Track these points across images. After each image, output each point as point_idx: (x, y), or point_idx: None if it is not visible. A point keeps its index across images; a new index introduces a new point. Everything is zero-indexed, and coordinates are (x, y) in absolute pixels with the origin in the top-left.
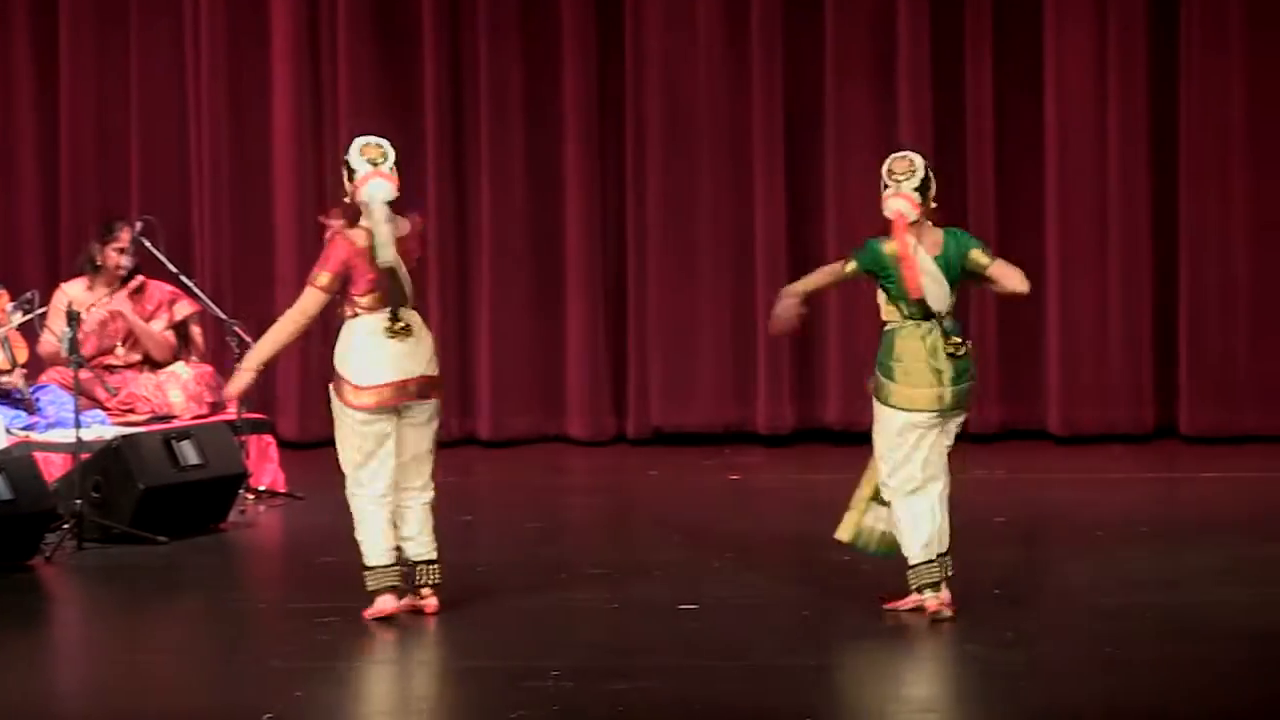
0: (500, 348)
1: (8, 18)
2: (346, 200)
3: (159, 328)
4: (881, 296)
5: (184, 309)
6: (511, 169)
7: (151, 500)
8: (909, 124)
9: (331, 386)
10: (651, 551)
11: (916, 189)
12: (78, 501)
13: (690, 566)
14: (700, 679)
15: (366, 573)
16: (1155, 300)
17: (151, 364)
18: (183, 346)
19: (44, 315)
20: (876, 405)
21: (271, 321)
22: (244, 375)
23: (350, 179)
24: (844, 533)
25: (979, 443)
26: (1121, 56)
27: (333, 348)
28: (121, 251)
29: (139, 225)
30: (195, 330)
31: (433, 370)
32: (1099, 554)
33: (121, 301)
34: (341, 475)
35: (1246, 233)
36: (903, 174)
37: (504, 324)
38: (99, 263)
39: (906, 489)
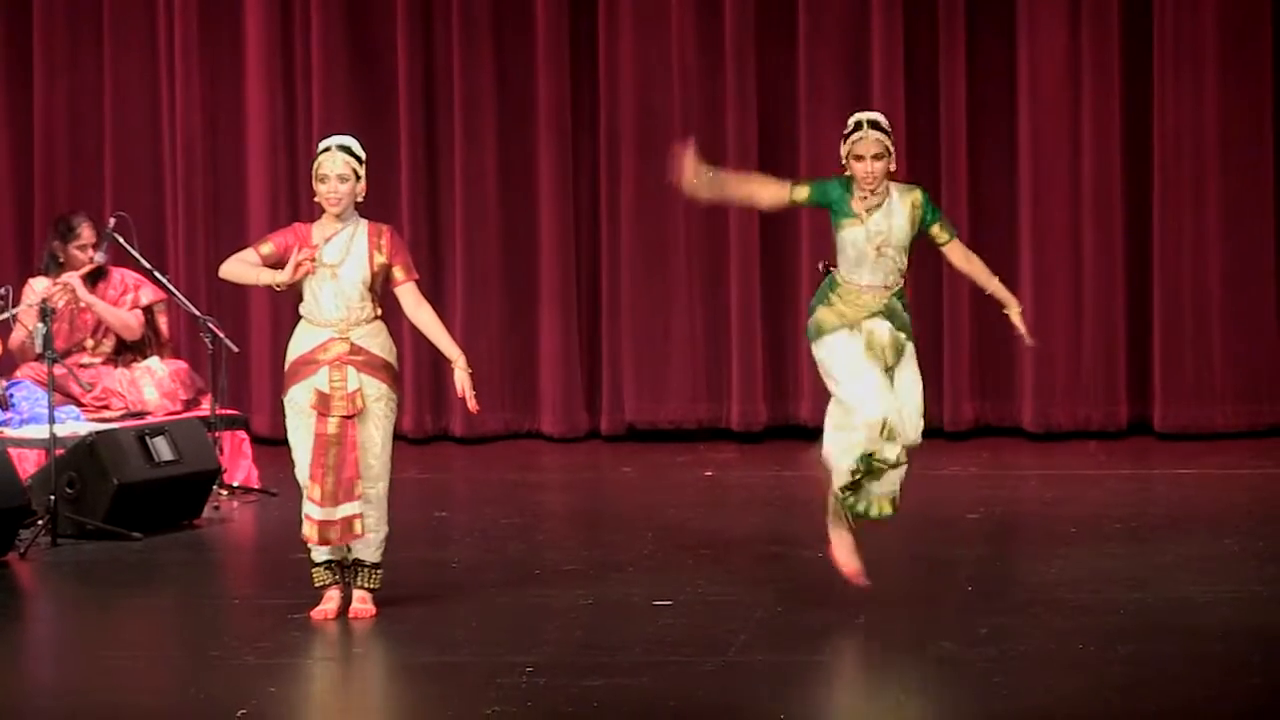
0: (473, 345)
1: None
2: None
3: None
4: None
5: (149, 294)
6: (484, 169)
7: (126, 496)
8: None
9: (393, 383)
10: (625, 548)
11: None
12: (52, 497)
13: (664, 563)
14: (675, 675)
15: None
16: (1129, 297)
17: (124, 356)
18: (151, 338)
19: (14, 309)
20: None
21: (246, 319)
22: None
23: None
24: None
25: (953, 439)
26: (1095, 60)
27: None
28: (84, 249)
29: (112, 221)
30: (161, 319)
31: None
32: (1072, 550)
33: (74, 279)
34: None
35: (1219, 230)
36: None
37: (477, 321)
38: (61, 260)
39: None
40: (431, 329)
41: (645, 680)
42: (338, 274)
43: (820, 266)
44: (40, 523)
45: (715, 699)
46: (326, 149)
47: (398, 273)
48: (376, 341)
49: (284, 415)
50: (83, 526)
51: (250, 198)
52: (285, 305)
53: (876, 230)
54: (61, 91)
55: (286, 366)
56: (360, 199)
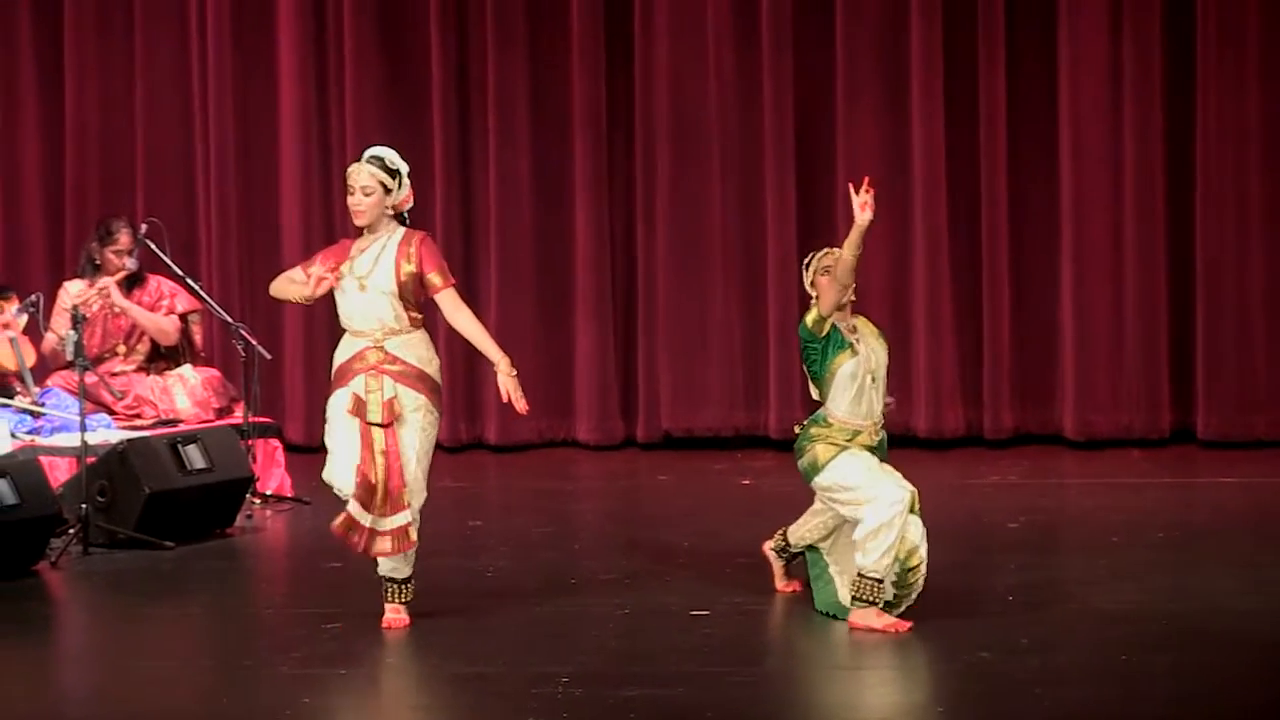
0: (508, 352)
1: (12, 21)
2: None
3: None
4: None
5: (184, 303)
6: (518, 172)
7: (157, 505)
8: (921, 131)
9: (431, 394)
10: (662, 557)
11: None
12: (83, 506)
13: (702, 572)
14: (712, 686)
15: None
16: (1171, 303)
17: (156, 364)
18: (185, 346)
19: (48, 315)
20: None
21: (279, 326)
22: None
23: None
24: None
25: (993, 447)
26: (1136, 63)
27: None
28: (120, 254)
29: (144, 227)
30: (195, 329)
31: None
32: (1114, 560)
33: (110, 283)
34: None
35: (1263, 237)
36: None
37: (512, 328)
38: (99, 263)
39: None
40: (472, 333)
41: (682, 691)
42: (366, 286)
43: None
44: (71, 531)
45: (754, 710)
46: (356, 161)
47: (434, 279)
48: (414, 352)
49: (323, 421)
50: (114, 535)
51: (283, 202)
52: (319, 313)
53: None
54: (92, 95)
55: (331, 375)
56: (395, 209)
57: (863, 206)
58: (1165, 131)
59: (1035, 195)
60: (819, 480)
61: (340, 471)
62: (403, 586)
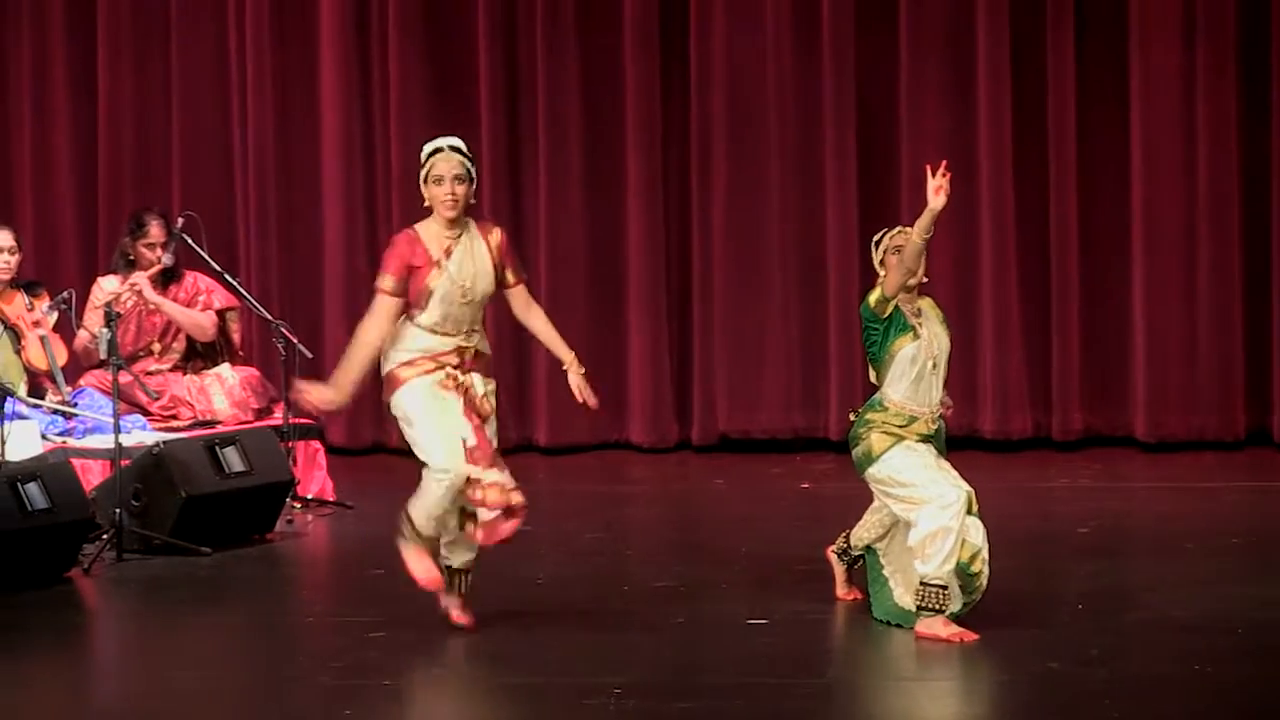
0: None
1: (44, 11)
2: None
3: None
4: None
5: (221, 300)
6: (569, 170)
7: (194, 509)
8: (988, 126)
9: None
10: (718, 564)
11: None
12: (117, 510)
13: (759, 579)
14: (770, 698)
15: None
16: (1246, 300)
17: (193, 363)
18: (223, 345)
19: (80, 312)
20: None
21: (320, 324)
22: None
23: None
24: None
25: (1062, 449)
26: (1210, 54)
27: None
28: (152, 247)
29: (180, 221)
30: (233, 326)
31: None
32: (1187, 567)
33: (142, 279)
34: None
35: None
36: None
37: (562, 326)
38: (132, 259)
39: None
40: (544, 331)
41: (739, 703)
42: (469, 290)
43: None
44: (105, 537)
45: None
46: (438, 149)
47: (510, 275)
48: (485, 340)
49: (382, 418)
50: (149, 541)
51: (325, 197)
52: (360, 310)
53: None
54: (126, 90)
55: (391, 368)
56: (473, 201)
57: (937, 190)
58: (1239, 124)
59: (1106, 189)
60: (872, 472)
61: (452, 451)
62: (465, 577)
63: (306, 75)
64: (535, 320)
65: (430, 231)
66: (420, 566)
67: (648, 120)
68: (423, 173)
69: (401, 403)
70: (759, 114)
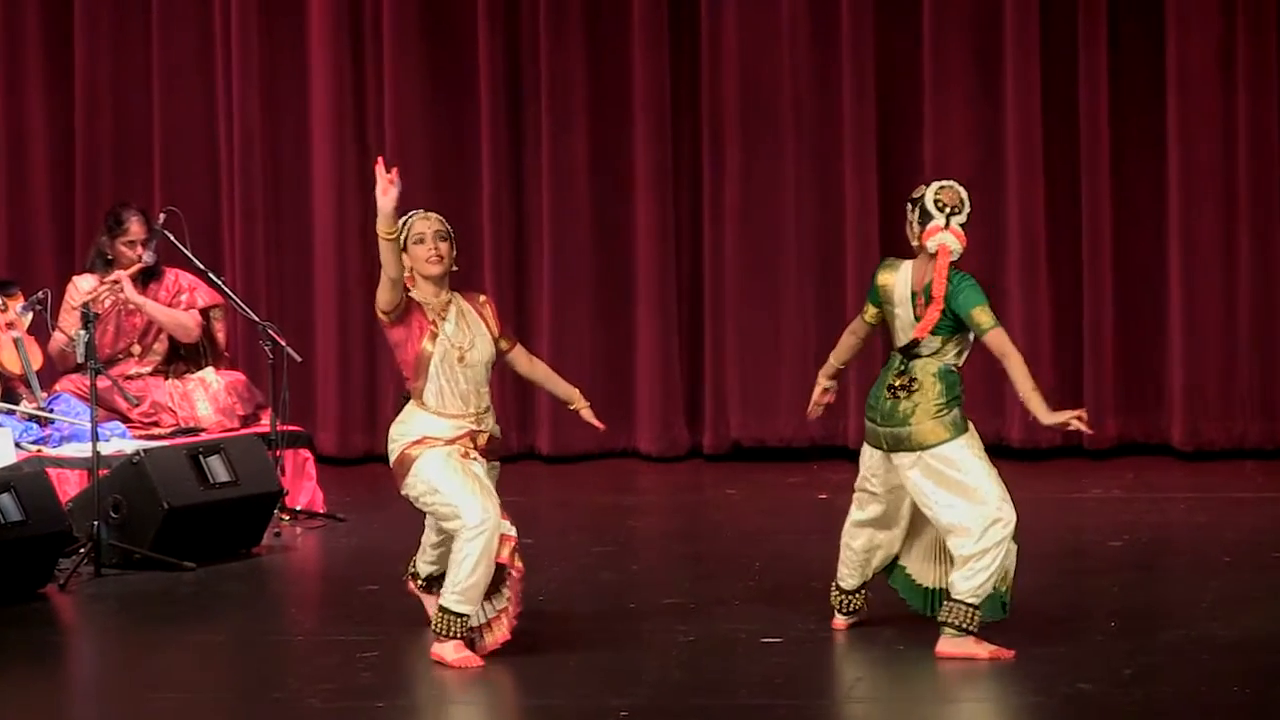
0: (562, 355)
1: None
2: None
3: None
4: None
5: (204, 298)
6: (575, 162)
7: (176, 521)
8: (1016, 121)
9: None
10: (730, 579)
11: (963, 225)
12: (95, 523)
13: (773, 595)
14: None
15: None
16: None
17: (175, 366)
18: (207, 346)
19: (56, 313)
20: None
21: (310, 326)
22: None
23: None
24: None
25: (1095, 458)
26: (1251, 48)
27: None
28: (132, 245)
29: (162, 218)
30: (217, 325)
31: None
32: (1226, 581)
33: (123, 277)
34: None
35: None
36: (952, 206)
37: (567, 329)
38: (110, 258)
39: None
40: (547, 380)
41: None
42: (467, 358)
43: None
44: (82, 551)
45: None
46: (413, 211)
47: (504, 343)
48: (494, 422)
49: (374, 426)
50: (129, 555)
51: (315, 192)
52: (354, 313)
53: None
54: (105, 77)
55: (400, 452)
56: (455, 268)
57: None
58: None
59: (1140, 188)
60: (938, 452)
61: (485, 505)
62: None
63: (296, 61)
64: (539, 373)
65: (422, 299)
66: (459, 657)
67: (657, 111)
68: (402, 238)
69: (420, 473)
70: (774, 104)
